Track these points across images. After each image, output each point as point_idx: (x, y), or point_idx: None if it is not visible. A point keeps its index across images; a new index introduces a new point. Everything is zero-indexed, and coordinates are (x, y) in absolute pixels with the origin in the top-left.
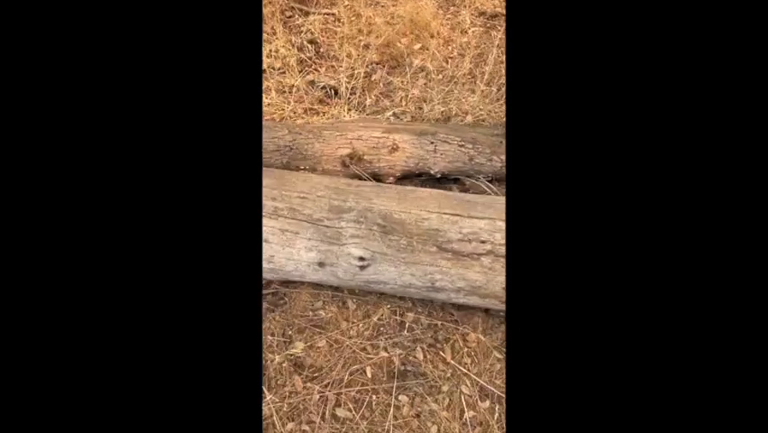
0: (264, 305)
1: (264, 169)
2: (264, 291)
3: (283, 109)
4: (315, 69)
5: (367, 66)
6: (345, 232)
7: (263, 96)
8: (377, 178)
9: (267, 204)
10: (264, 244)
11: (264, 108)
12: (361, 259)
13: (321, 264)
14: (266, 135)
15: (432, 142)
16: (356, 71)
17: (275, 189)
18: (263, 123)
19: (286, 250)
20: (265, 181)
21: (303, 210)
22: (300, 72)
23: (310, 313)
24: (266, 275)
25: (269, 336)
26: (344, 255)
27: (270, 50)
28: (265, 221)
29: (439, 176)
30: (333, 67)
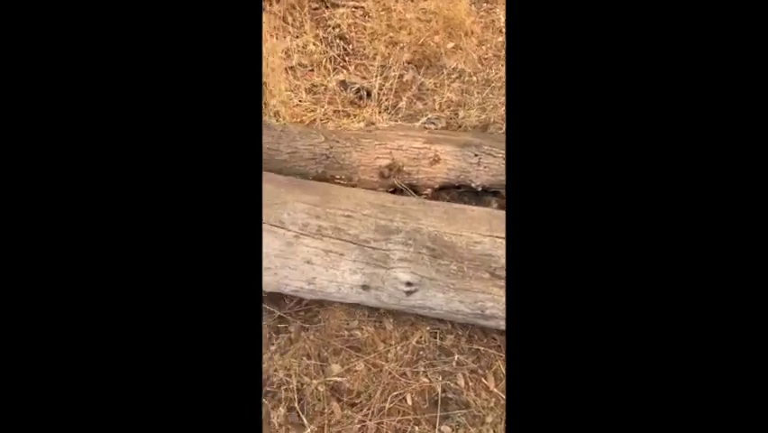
0: (298, 324)
1: (305, 182)
2: (296, 309)
3: (314, 110)
4: (345, 68)
5: (398, 66)
6: (393, 255)
7: (292, 95)
8: (414, 189)
9: (311, 222)
10: (306, 265)
11: (293, 109)
12: (409, 284)
13: (365, 287)
14: (302, 142)
15: (476, 155)
16: (391, 73)
17: (318, 207)
18: (299, 128)
19: (329, 272)
20: (307, 197)
21: (348, 230)
22: (333, 71)
23: (345, 333)
24: (305, 296)
25: (305, 358)
26: (391, 279)
27: (298, 46)
28: (308, 240)
29: (480, 189)
30: (363, 65)
